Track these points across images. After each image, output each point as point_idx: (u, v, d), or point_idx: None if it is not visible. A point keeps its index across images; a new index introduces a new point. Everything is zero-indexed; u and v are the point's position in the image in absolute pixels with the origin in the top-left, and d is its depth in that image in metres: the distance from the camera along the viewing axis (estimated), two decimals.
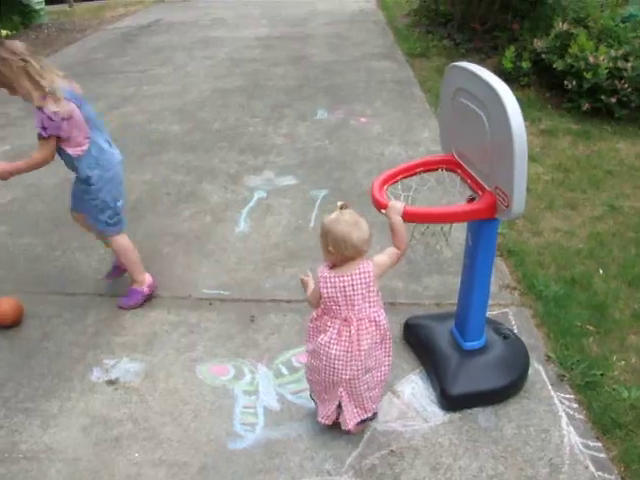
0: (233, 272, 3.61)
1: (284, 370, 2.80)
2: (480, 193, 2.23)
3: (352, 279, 2.08)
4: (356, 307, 2.12)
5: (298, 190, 4.59)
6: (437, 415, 2.51)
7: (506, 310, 3.13)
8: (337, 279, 2.09)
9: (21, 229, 4.19)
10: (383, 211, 2.22)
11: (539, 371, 2.72)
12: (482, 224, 2.32)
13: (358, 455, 2.34)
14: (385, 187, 2.35)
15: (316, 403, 2.42)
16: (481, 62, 7.55)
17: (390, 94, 6.73)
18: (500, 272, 3.42)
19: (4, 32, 12.74)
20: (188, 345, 2.99)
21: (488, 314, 2.72)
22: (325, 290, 2.11)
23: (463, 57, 7.83)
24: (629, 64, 5.62)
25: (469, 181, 2.32)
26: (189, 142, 5.66)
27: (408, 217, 2.16)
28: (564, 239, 3.81)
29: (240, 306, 3.29)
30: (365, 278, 2.09)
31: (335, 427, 2.41)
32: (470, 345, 2.62)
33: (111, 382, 2.76)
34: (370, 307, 2.14)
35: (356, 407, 2.31)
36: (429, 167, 2.49)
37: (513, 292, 3.29)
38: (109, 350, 2.97)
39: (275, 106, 6.52)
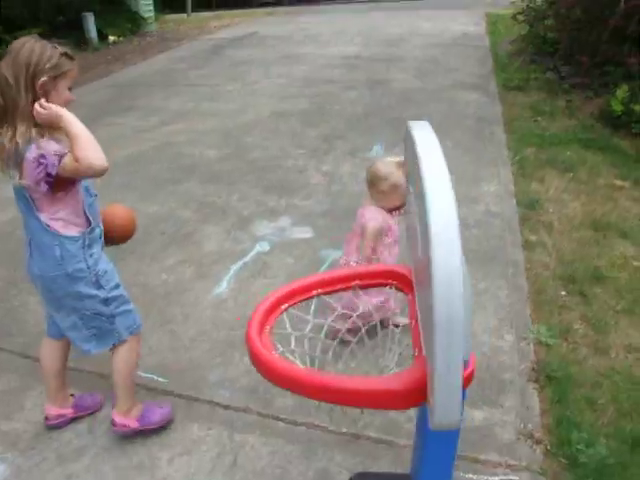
0: (182, 351, 2.85)
1: None
2: (416, 352, 1.30)
3: None
4: None
5: (308, 247, 3.74)
6: None
7: (514, 479, 2.12)
8: None
9: None
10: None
11: None
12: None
13: None
14: (273, 319, 1.43)
15: None
16: (586, 101, 6.37)
17: (465, 134, 5.67)
18: (526, 409, 2.39)
19: (112, 38, 13.02)
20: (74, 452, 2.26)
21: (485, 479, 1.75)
22: None
23: (565, 93, 6.67)
24: None
25: (413, 322, 1.39)
26: (217, 171, 4.99)
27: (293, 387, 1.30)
28: None
29: (170, 401, 2.51)
30: None
31: None
32: None
33: None
34: None
35: None
36: (370, 280, 1.55)
37: (535, 447, 2.25)
38: None
39: (328, 136, 5.71)
